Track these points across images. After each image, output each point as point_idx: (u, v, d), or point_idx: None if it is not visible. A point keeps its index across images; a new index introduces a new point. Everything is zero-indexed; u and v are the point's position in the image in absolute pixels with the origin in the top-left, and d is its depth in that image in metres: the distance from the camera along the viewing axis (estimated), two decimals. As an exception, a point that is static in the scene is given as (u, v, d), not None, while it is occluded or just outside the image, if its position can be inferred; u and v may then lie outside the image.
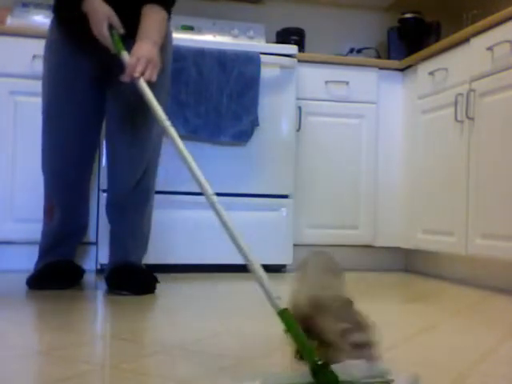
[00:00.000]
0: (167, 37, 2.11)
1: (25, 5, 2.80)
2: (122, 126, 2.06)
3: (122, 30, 1.90)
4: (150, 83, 1.81)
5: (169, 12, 2.03)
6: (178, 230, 2.71)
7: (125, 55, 1.85)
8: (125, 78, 1.82)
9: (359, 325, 0.99)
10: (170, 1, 2.04)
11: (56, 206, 2.12)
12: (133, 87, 1.85)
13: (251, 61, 2.75)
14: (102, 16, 1.87)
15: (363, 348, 0.97)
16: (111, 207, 2.13)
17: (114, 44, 1.87)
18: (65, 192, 2.12)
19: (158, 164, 2.18)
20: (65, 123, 2.06)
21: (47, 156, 2.11)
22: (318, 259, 1.22)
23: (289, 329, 1.01)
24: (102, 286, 2.16)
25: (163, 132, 2.17)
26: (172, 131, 1.53)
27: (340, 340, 0.97)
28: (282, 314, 1.03)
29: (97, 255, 2.66)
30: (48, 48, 2.08)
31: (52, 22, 2.09)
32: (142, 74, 1.80)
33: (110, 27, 1.88)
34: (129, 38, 1.92)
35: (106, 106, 2.11)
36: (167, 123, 1.56)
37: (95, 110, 2.11)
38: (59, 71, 2.05)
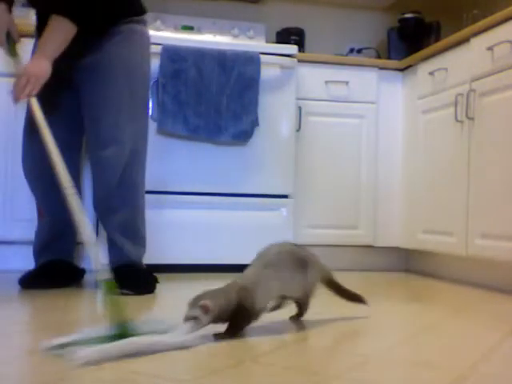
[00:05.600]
0: (142, 39, 2.12)
1: (25, 5, 2.79)
2: (92, 127, 2.07)
3: (18, 40, 2.05)
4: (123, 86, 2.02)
5: (79, 22, 1.93)
6: (176, 230, 2.71)
7: (17, 65, 1.95)
8: (13, 99, 1.90)
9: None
10: (79, 11, 1.93)
11: (42, 207, 2.14)
12: (98, 91, 2.03)
13: (251, 61, 2.75)
14: (2, 24, 1.98)
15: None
16: (97, 208, 2.11)
17: (10, 50, 2.00)
18: (46, 194, 2.13)
19: (144, 159, 2.15)
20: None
21: (24, 161, 2.14)
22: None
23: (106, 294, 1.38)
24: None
25: (147, 126, 2.17)
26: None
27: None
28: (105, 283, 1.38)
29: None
30: None
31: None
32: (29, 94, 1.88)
33: (8, 35, 2.00)
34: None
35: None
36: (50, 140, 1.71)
37: (68, 113, 2.13)
38: None
